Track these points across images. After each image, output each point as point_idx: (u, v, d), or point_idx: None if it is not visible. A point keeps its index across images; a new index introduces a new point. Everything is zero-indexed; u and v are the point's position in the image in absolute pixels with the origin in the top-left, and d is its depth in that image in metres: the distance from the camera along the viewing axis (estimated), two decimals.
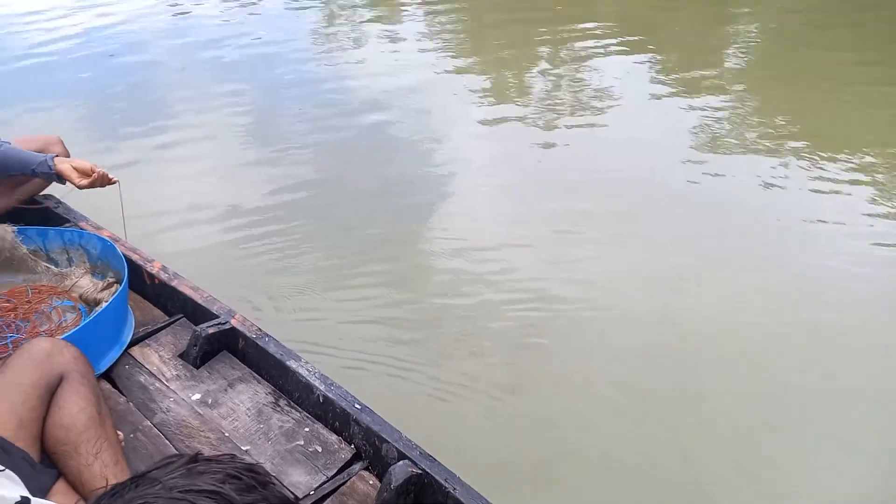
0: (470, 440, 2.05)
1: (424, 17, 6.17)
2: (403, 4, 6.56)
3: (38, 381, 1.16)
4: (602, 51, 5.16)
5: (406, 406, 2.12)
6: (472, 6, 6.53)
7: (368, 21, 6.15)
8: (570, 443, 2.08)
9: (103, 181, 1.85)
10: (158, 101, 4.35)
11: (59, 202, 2.14)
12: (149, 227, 2.85)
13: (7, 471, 0.82)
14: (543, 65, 5.11)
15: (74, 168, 1.83)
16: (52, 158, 1.84)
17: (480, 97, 4.51)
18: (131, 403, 1.56)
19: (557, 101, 4.51)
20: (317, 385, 1.56)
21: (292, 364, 1.61)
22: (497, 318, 2.52)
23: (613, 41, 5.32)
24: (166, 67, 4.94)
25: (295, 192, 3.30)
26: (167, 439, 1.48)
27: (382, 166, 3.61)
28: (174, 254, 2.64)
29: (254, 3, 6.42)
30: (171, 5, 6.35)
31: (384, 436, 1.42)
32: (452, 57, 5.20)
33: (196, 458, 0.63)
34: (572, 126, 4.08)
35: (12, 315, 1.71)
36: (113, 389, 1.60)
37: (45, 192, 2.14)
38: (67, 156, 2.04)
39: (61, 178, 1.85)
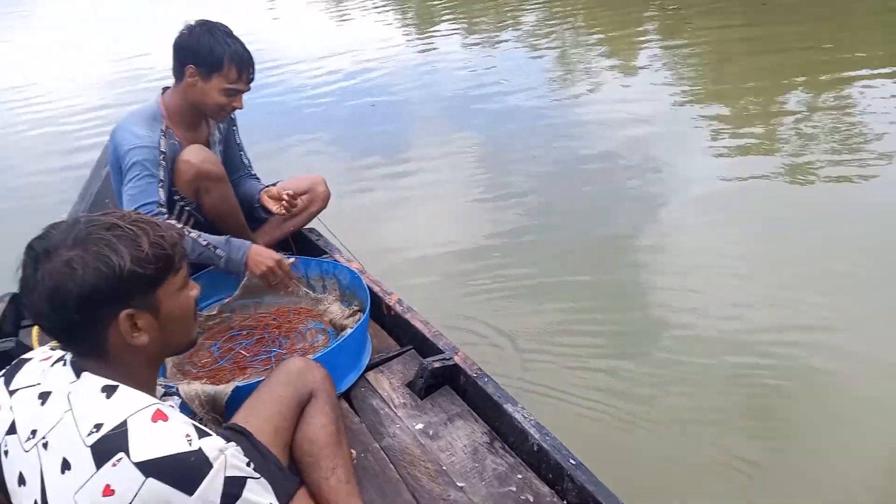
0: None
1: (663, 54, 6.02)
2: (641, 42, 6.48)
3: (292, 395, 1.32)
4: (873, 87, 4.54)
5: (626, 462, 2.03)
6: (716, 39, 6.23)
7: (603, 63, 6.14)
8: None
9: (292, 205, 2.17)
10: (402, 142, 4.78)
11: (319, 235, 2.45)
12: (384, 257, 3.13)
13: (262, 479, 0.93)
14: (795, 99, 4.65)
15: (269, 196, 2.18)
16: (261, 192, 2.21)
17: (719, 146, 4.23)
18: (364, 424, 1.70)
19: (810, 142, 4.05)
20: (532, 433, 1.55)
21: (509, 408, 1.63)
22: (736, 383, 2.31)
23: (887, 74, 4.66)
24: (410, 113, 5.43)
25: (524, 234, 3.39)
26: (392, 463, 1.58)
27: (613, 209, 3.56)
28: (405, 284, 2.85)
29: (491, 55, 6.81)
30: (419, 52, 7.05)
31: (599, 498, 1.36)
32: (690, 107, 4.96)
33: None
34: (827, 173, 3.64)
35: (276, 332, 1.98)
36: (349, 409, 1.75)
37: (308, 225, 2.46)
38: (328, 194, 2.36)
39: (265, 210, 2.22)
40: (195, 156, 1.98)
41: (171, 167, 1.97)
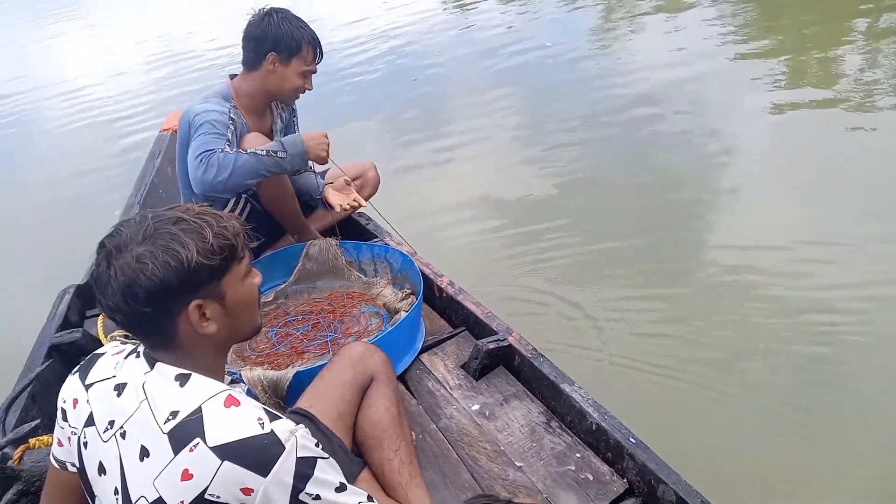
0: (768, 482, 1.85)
1: (711, 7, 5.78)
2: None
3: (354, 380, 1.34)
4: None
5: (686, 428, 2.04)
6: None
7: (647, 13, 5.96)
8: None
9: (355, 207, 2.22)
10: (446, 115, 4.74)
11: (369, 219, 2.47)
12: (435, 234, 3.15)
13: (331, 459, 0.95)
14: (856, 43, 4.42)
15: (333, 190, 2.21)
16: (322, 187, 2.25)
17: (774, 84, 4.09)
18: (420, 406, 1.72)
19: (873, 81, 3.86)
20: (590, 412, 1.55)
21: (566, 388, 1.62)
22: (811, 343, 2.27)
23: None
24: (449, 77, 5.39)
25: (570, 195, 3.37)
26: (450, 444, 1.60)
27: (661, 162, 3.50)
28: (457, 259, 2.89)
29: (531, 10, 6.66)
30: (453, 11, 6.93)
31: (661, 476, 1.35)
32: (741, 42, 4.80)
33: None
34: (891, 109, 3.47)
35: (331, 317, 2.01)
36: (406, 391, 1.78)
37: (360, 210, 2.48)
38: (379, 179, 2.38)
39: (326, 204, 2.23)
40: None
41: (236, 140, 2.00)
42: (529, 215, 3.25)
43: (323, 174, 2.38)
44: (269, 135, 2.18)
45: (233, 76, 2.12)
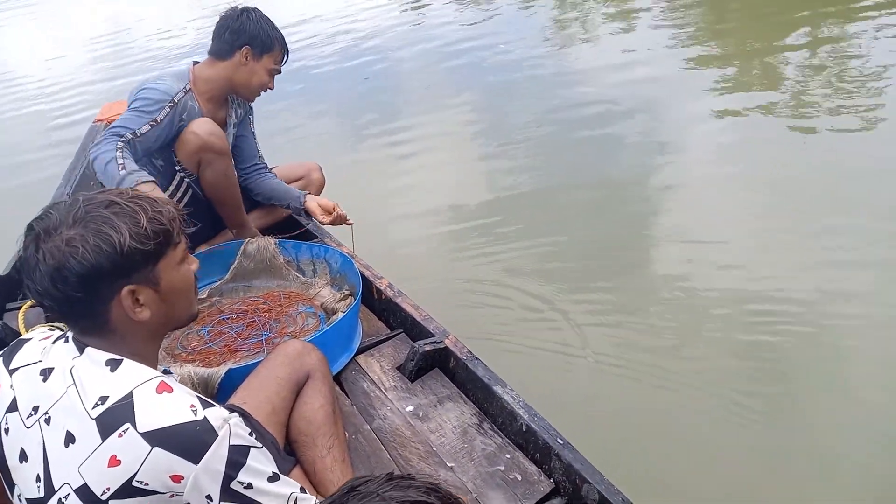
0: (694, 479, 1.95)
1: (661, 13, 5.99)
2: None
3: (290, 377, 1.34)
4: (875, 31, 4.62)
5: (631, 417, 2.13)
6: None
7: (601, 18, 6.14)
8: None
9: (341, 221, 2.22)
10: (395, 106, 4.75)
11: (310, 219, 2.45)
12: (373, 221, 3.15)
13: (264, 448, 0.96)
14: (798, 53, 4.68)
15: (320, 205, 2.22)
16: (304, 196, 2.24)
17: (720, 88, 4.30)
18: (355, 406, 1.73)
19: (812, 88, 4.10)
20: (521, 413, 1.59)
21: (498, 390, 1.66)
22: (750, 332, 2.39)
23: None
24: (405, 75, 5.40)
25: (516, 193, 3.44)
26: (382, 444, 1.61)
27: (610, 161, 3.63)
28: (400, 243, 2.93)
29: (485, 9, 6.76)
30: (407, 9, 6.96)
31: (586, 476, 1.40)
32: (690, 46, 5.02)
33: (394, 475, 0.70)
34: (834, 114, 3.70)
35: (267, 316, 1.99)
36: (340, 392, 1.78)
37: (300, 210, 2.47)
38: (324, 181, 2.39)
39: (308, 214, 2.25)
40: (201, 128, 2.02)
41: (177, 122, 2.02)
42: (480, 211, 3.32)
43: (265, 167, 2.37)
44: (223, 125, 2.19)
45: (195, 63, 2.13)
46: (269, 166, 2.38)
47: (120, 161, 1.86)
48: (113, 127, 1.93)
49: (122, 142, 1.90)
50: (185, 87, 2.04)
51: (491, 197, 3.44)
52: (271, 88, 2.18)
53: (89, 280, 0.89)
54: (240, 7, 2.10)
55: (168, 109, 1.98)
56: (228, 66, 2.09)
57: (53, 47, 7.66)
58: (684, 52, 4.90)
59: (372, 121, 4.45)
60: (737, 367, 2.29)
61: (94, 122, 3.23)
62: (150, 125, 1.95)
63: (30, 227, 0.92)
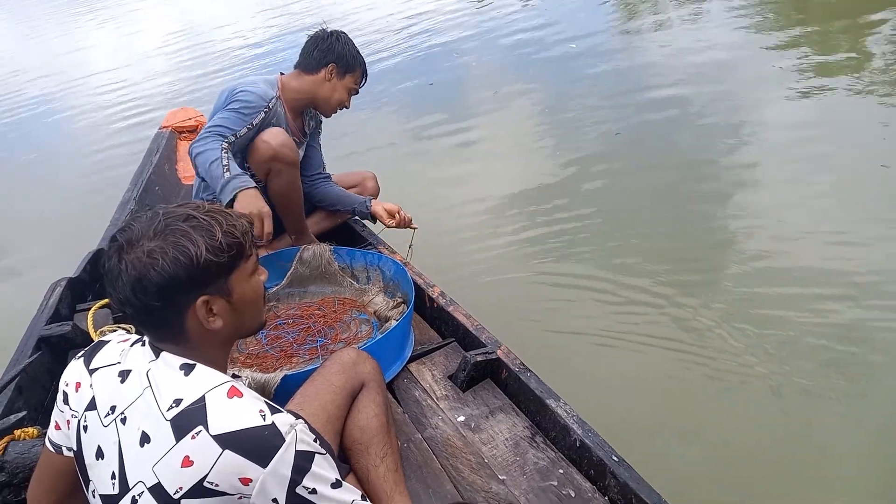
0: None
1: None
2: None
3: (345, 385, 1.36)
4: None
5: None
6: None
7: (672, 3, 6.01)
8: None
9: (406, 224, 2.30)
10: (458, 106, 4.71)
11: (364, 226, 2.49)
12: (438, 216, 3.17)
13: (328, 455, 0.98)
14: (887, 31, 4.47)
15: (385, 209, 2.29)
16: (370, 201, 2.31)
17: (800, 71, 4.15)
18: (406, 415, 1.73)
19: None
20: (574, 428, 1.56)
21: (551, 402, 1.64)
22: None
23: None
24: (469, 74, 5.36)
25: (591, 181, 3.41)
26: (434, 454, 1.61)
27: (682, 151, 3.55)
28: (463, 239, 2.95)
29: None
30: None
31: (643, 496, 1.37)
32: (767, 32, 4.86)
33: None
34: None
35: (322, 322, 2.02)
36: (393, 400, 1.79)
37: (356, 218, 2.51)
38: (378, 189, 2.42)
39: (373, 217, 2.31)
40: (274, 138, 2.10)
41: (266, 127, 2.12)
42: (552, 205, 3.29)
43: (329, 177, 2.44)
44: (301, 134, 2.31)
45: (281, 74, 2.25)
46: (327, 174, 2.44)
47: (224, 162, 1.95)
48: (215, 126, 2.01)
49: (227, 143, 2.00)
50: (276, 94, 2.17)
51: (562, 190, 3.39)
52: (347, 107, 2.29)
53: (167, 290, 0.92)
54: (329, 29, 2.25)
55: (263, 115, 2.10)
56: (314, 80, 2.20)
57: (125, 50, 7.99)
58: (762, 38, 4.72)
59: (433, 122, 4.41)
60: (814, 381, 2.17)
61: (159, 129, 3.36)
62: (247, 128, 2.06)
63: (113, 239, 0.96)
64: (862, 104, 3.65)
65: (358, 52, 2.26)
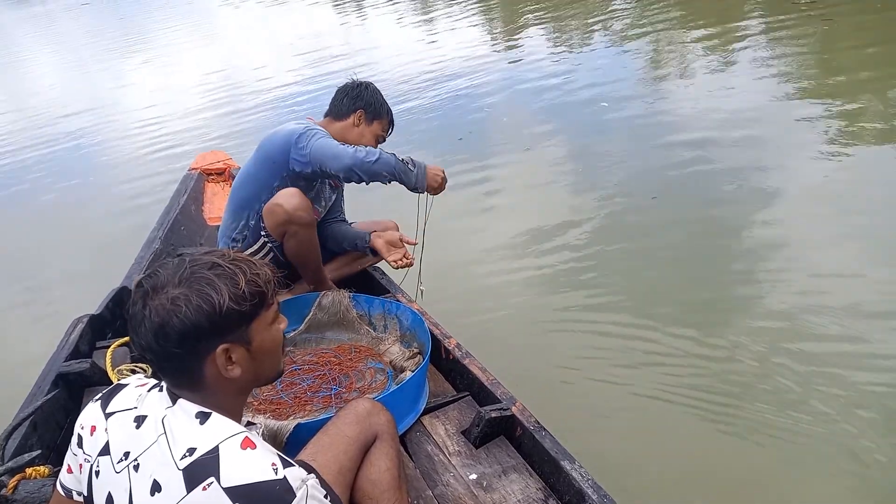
0: None
1: (766, 42, 5.87)
2: (739, 28, 6.37)
3: (358, 436, 1.34)
4: None
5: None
6: (824, 32, 6.05)
7: (699, 51, 6.06)
8: None
9: (408, 261, 2.30)
10: (483, 152, 4.75)
11: (383, 274, 2.50)
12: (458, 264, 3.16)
13: None
14: None
15: (387, 241, 2.31)
16: (369, 235, 2.36)
17: (828, 124, 4.15)
18: (418, 470, 1.71)
19: None
20: (589, 493, 1.52)
21: (566, 465, 1.61)
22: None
23: None
24: (498, 123, 5.42)
25: (612, 236, 3.41)
26: None
27: (711, 206, 3.54)
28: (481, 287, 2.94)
29: (580, 49, 6.77)
30: (503, 50, 7.08)
31: None
32: (796, 82, 4.90)
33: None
34: None
35: (337, 369, 2.01)
36: (404, 453, 1.76)
37: (375, 265, 2.52)
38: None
39: (374, 252, 2.35)
40: (288, 202, 2.11)
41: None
42: (574, 257, 3.29)
43: (344, 220, 2.47)
44: (336, 179, 2.30)
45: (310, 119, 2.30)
46: (350, 222, 2.48)
47: (401, 157, 2.14)
48: (347, 151, 2.08)
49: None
50: None
51: (585, 241, 3.39)
52: None
53: (189, 337, 0.93)
54: (358, 79, 2.35)
55: None
56: (343, 126, 2.29)
57: (164, 89, 8.23)
58: (788, 88, 4.76)
59: (460, 171, 4.41)
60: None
61: (188, 170, 3.44)
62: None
63: (139, 284, 0.98)
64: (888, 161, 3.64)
65: (385, 101, 2.34)
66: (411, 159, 2.17)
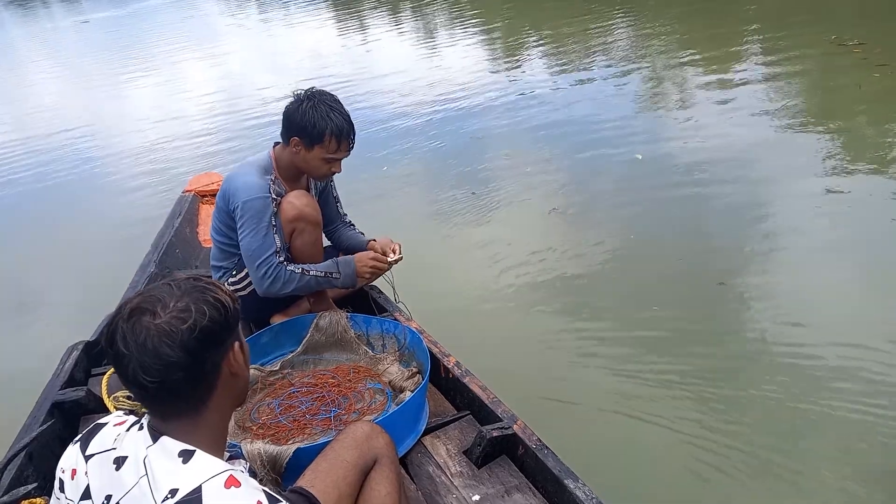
0: None
1: (763, 80, 5.81)
2: (739, 63, 6.34)
3: (357, 461, 1.32)
4: None
5: None
6: (823, 64, 6.00)
7: (699, 84, 6.02)
8: None
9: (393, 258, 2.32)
10: (480, 176, 4.72)
11: (380, 293, 2.49)
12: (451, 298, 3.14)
13: None
14: None
15: (373, 249, 2.35)
16: (366, 244, 2.39)
17: (828, 163, 4.13)
18: (419, 492, 1.68)
19: None
20: None
21: (570, 483, 1.59)
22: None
23: None
24: (490, 145, 5.40)
25: (614, 268, 3.37)
26: None
27: (704, 238, 3.53)
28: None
29: (579, 79, 6.75)
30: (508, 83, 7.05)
31: None
32: (795, 117, 4.86)
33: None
34: None
35: (336, 391, 1.99)
36: (405, 475, 1.74)
37: (371, 284, 2.51)
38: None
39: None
40: (298, 199, 2.15)
41: (278, 218, 2.15)
42: (569, 291, 3.25)
43: (348, 223, 2.54)
44: (307, 189, 2.30)
45: (276, 143, 2.23)
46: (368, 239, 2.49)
47: (314, 272, 2.16)
48: (267, 256, 2.07)
49: (284, 258, 2.13)
50: (272, 178, 2.14)
51: (580, 274, 3.36)
52: (336, 172, 2.19)
53: (211, 336, 0.94)
54: (304, 93, 2.09)
55: (274, 206, 2.11)
56: (289, 152, 2.14)
57: (166, 106, 8.23)
58: (787, 123, 4.74)
59: (456, 200, 4.37)
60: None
61: (182, 193, 3.43)
62: (274, 227, 2.10)
63: (135, 310, 0.93)
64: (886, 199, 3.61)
65: (325, 117, 2.03)
66: (336, 265, 2.18)
